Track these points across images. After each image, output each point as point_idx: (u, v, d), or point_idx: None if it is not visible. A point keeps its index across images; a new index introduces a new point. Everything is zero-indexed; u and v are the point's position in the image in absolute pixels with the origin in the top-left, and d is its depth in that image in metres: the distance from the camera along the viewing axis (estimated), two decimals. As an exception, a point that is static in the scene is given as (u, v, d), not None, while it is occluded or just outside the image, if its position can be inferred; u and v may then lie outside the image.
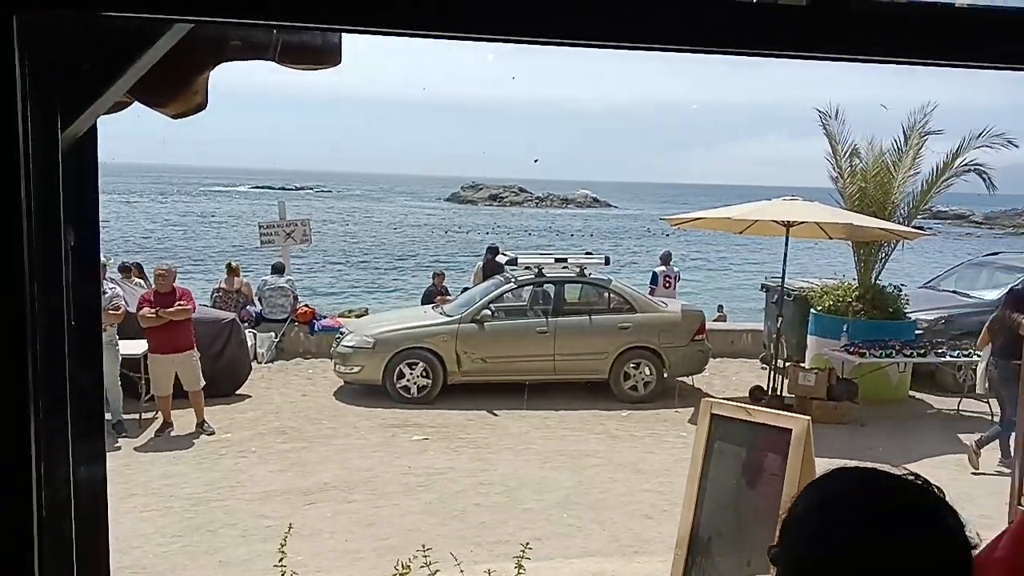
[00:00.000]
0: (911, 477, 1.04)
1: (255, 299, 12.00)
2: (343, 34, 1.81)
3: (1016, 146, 9.26)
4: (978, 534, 1.06)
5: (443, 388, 9.65)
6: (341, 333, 10.29)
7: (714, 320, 13.80)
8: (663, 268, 13.17)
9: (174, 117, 1.94)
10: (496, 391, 9.66)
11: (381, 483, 6.98)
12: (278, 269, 12.12)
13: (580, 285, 10.54)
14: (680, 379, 10.44)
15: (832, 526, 1.01)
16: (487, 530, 5.99)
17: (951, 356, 9.53)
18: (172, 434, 8.25)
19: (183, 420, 8.38)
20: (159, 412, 8.37)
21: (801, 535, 1.04)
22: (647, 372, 10.00)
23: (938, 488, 1.04)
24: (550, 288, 10.32)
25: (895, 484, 1.04)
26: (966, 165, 10.01)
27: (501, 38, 1.39)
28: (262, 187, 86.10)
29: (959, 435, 8.60)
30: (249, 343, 10.61)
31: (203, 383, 8.35)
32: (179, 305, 8.03)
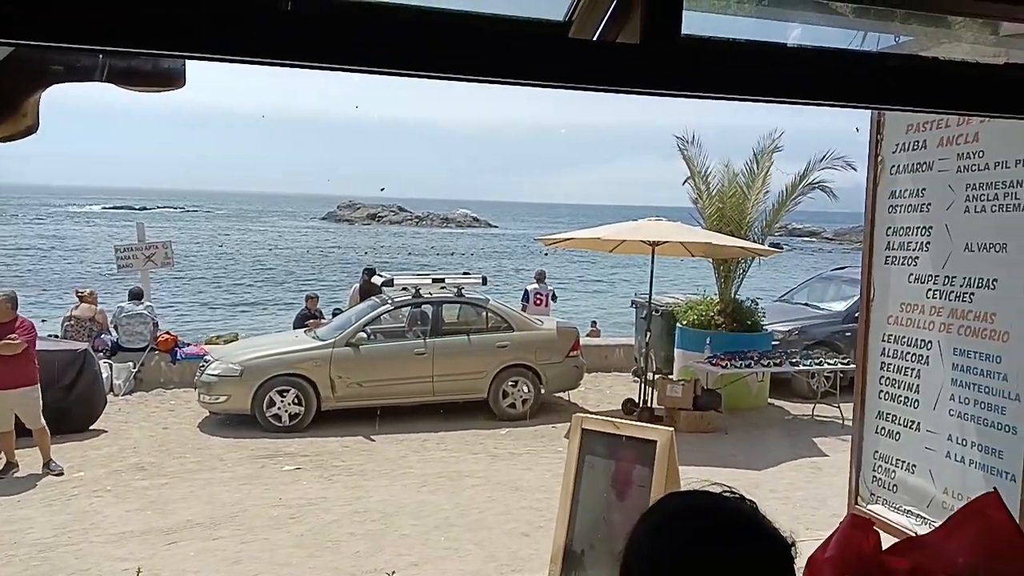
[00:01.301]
0: (728, 493, 1.11)
1: (111, 327, 11.26)
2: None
3: (855, 168, 10.09)
4: (793, 536, 1.15)
5: (317, 415, 9.38)
6: (206, 361, 9.82)
7: (588, 335, 14.17)
8: (536, 286, 13.48)
9: (2, 140, 1.83)
10: (373, 416, 9.49)
11: (249, 518, 6.67)
12: (136, 295, 11.43)
13: (458, 305, 10.56)
14: (557, 395, 10.66)
15: (660, 550, 1.07)
16: (362, 559, 5.84)
17: (804, 365, 10.20)
18: (16, 475, 7.58)
19: (30, 460, 7.73)
20: (1, 452, 7.68)
21: (636, 562, 1.10)
22: (525, 389, 10.13)
23: (751, 501, 1.11)
24: (428, 309, 10.28)
25: (711, 502, 1.11)
26: (812, 184, 10.82)
27: (336, 67, 1.38)
28: (121, 207, 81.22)
29: (813, 439, 9.21)
30: (104, 375, 9.95)
31: (43, 421, 7.71)
32: (9, 339, 7.38)
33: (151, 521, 6.60)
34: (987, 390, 3.40)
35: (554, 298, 13.98)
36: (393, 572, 3.91)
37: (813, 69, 1.78)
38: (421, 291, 10.25)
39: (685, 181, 11.09)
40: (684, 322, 10.95)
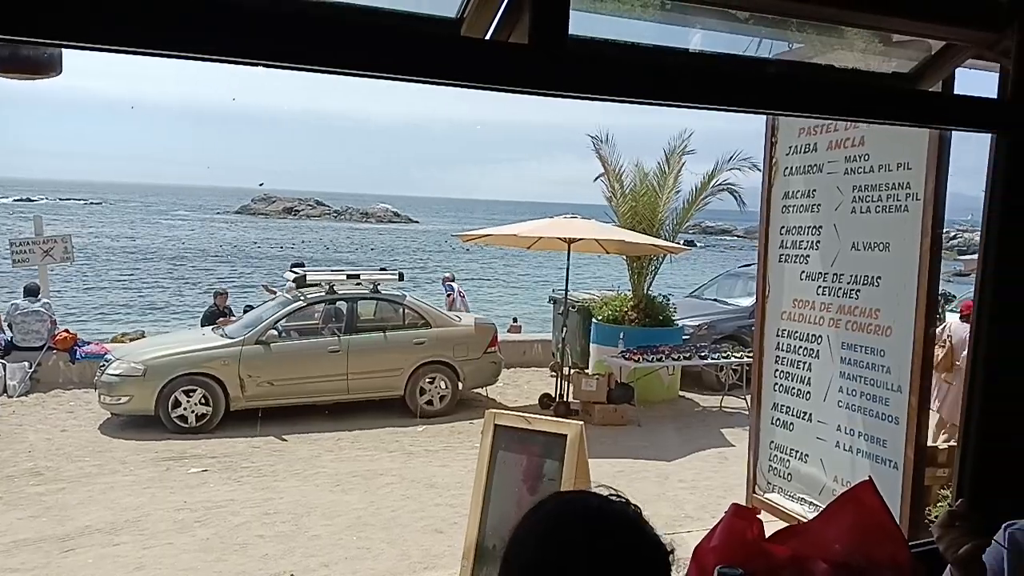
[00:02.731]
0: (614, 497, 1.13)
1: (4, 326, 10.63)
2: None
3: (759, 170, 10.45)
4: (672, 542, 1.17)
5: (226, 415, 9.11)
6: (106, 360, 9.38)
7: (509, 331, 14.27)
8: (452, 284, 13.46)
9: None
10: (285, 415, 9.28)
11: (152, 522, 6.42)
12: (32, 291, 10.83)
13: (374, 301, 10.43)
14: (475, 391, 10.66)
15: (541, 550, 1.08)
16: (271, 562, 5.71)
17: (713, 358, 10.54)
18: None
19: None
20: None
21: (516, 561, 1.10)
22: (442, 386, 10.09)
23: (635, 505, 1.14)
24: (343, 305, 10.11)
25: (595, 505, 1.12)
26: (720, 186, 11.17)
27: (212, 58, 1.33)
28: (19, 200, 76.75)
29: (721, 430, 9.53)
30: (-4, 375, 9.40)
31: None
32: None
33: (46, 528, 6.27)
34: (872, 382, 3.59)
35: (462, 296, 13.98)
36: (291, 574, 3.81)
37: (701, 73, 1.83)
38: (335, 287, 10.07)
39: (597, 178, 11.27)
40: (599, 318, 11.14)
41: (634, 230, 10.60)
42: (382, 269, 11.43)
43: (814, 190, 3.82)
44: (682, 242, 12.03)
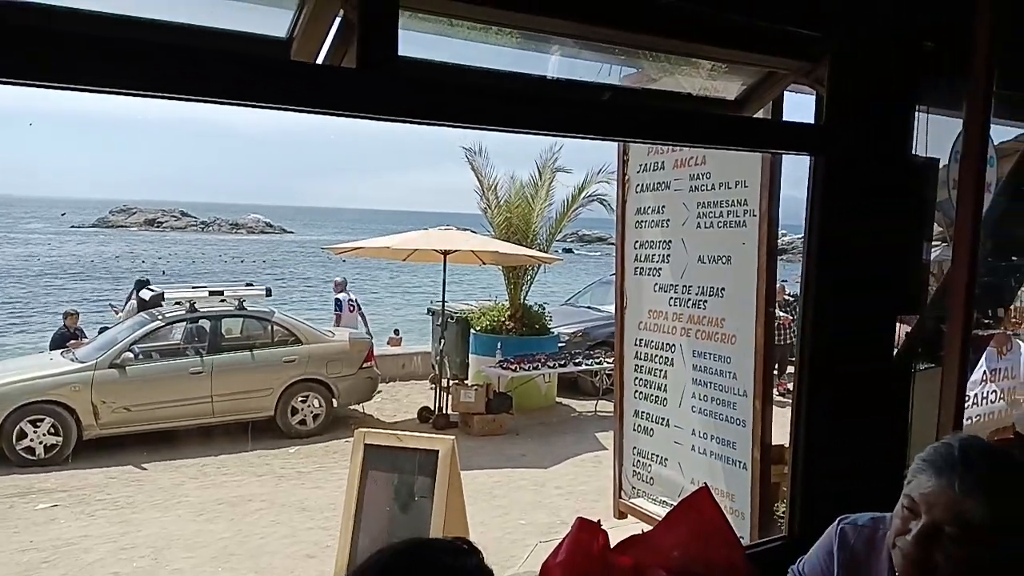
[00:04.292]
0: (456, 544, 1.12)
1: None
2: None
3: (625, 182, 10.86)
4: None
5: (78, 445, 8.48)
6: (-63, 391, 8.53)
7: (389, 344, 14.07)
8: (343, 295, 12.94)
9: None
10: (144, 442, 8.76)
11: (-9, 567, 5.90)
12: None
13: (240, 319, 10.03)
14: (351, 407, 10.44)
15: None
16: (127, 601, 5.36)
17: (587, 364, 10.81)
18: None
19: None
20: None
21: None
22: (316, 404, 9.82)
23: (474, 547, 1.13)
24: (205, 324, 9.65)
25: (430, 558, 1.10)
26: (590, 197, 11.49)
27: (26, 83, 1.25)
28: None
29: (595, 434, 9.76)
30: None
31: None
32: None
33: None
34: (720, 388, 3.79)
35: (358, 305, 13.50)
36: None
37: (537, 97, 1.87)
38: (196, 305, 9.60)
39: (475, 191, 11.35)
40: (477, 328, 11.19)
41: (509, 240, 10.74)
42: (248, 284, 11.01)
43: (663, 206, 4.00)
44: (560, 251, 12.30)
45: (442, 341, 10.56)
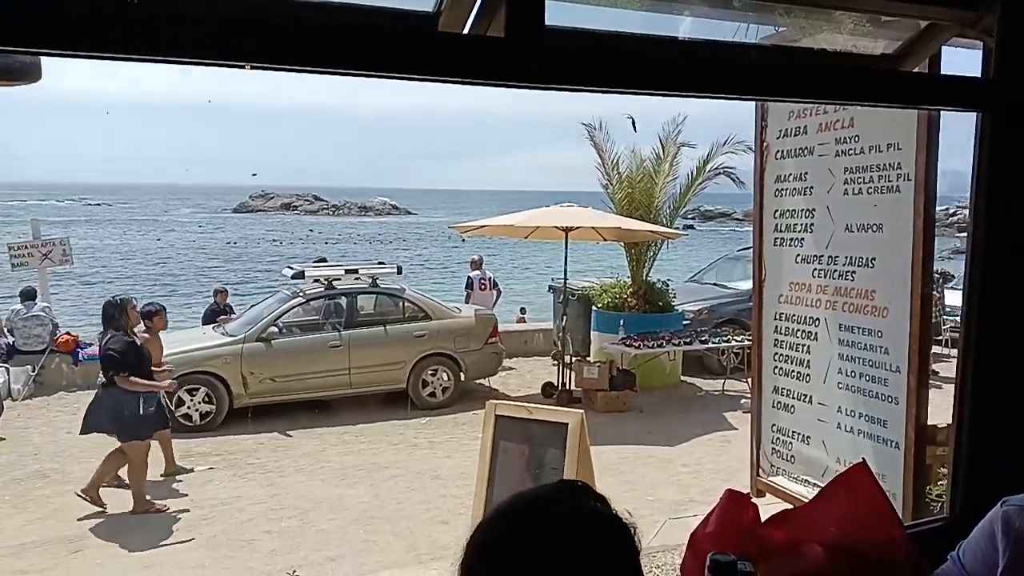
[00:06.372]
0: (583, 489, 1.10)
1: (5, 330, 10.66)
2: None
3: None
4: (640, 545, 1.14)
5: (229, 412, 9.14)
6: (109, 362, 9.40)
7: (517, 322, 14.29)
8: (477, 273, 13.13)
9: None
10: (289, 411, 9.32)
11: (161, 519, 6.47)
12: (29, 295, 10.84)
13: (374, 296, 10.44)
14: (477, 382, 10.69)
15: (506, 553, 1.02)
16: (278, 557, 5.74)
17: (714, 342, 10.54)
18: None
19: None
20: None
21: (481, 562, 1.05)
22: (445, 378, 10.12)
23: (614, 510, 1.10)
24: (342, 300, 10.12)
25: (566, 505, 1.08)
26: (716, 169, 11.13)
27: (199, 62, 1.33)
28: (16, 201, 76.81)
29: (724, 413, 9.54)
30: (0, 380, 9.42)
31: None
32: None
33: (54, 530, 6.31)
34: (870, 363, 3.59)
35: (493, 284, 13.65)
36: (294, 571, 3.83)
37: (682, 61, 1.82)
38: (334, 283, 10.08)
39: (595, 166, 11.22)
40: (599, 305, 11.14)
41: (631, 216, 10.58)
42: (380, 263, 11.43)
43: (806, 173, 3.81)
44: (681, 227, 12.00)
45: (564, 318, 10.58)
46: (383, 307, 10.45)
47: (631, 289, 11.12)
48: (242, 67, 1.39)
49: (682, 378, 11.08)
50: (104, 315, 6.86)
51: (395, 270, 10.75)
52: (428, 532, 6.17)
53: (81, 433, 7.06)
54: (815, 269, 3.80)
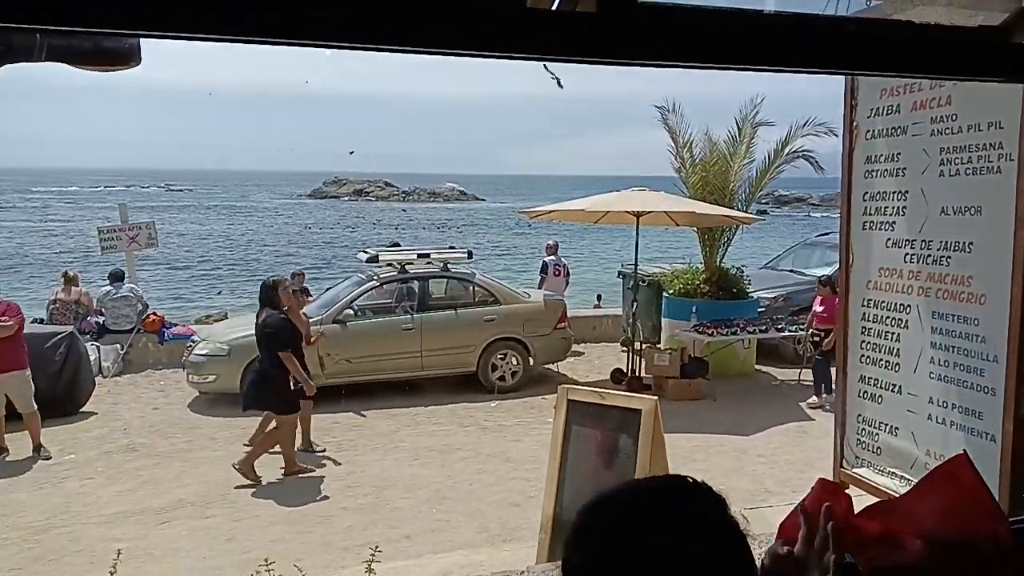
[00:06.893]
0: (692, 481, 1.08)
1: (97, 310, 11.20)
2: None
3: (836, 135, 10.05)
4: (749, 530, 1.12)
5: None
6: (193, 341, 9.79)
7: (593, 308, 14.31)
8: (552, 258, 13.03)
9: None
10: (363, 391, 9.52)
11: (240, 495, 6.72)
12: (117, 276, 11.35)
13: (444, 280, 10.55)
14: (546, 366, 10.70)
15: (615, 541, 1.01)
16: (354, 533, 5.89)
17: (790, 330, 10.26)
18: (7, 459, 7.59)
19: (20, 444, 7.73)
20: (-10, 438, 7.68)
21: (590, 548, 1.03)
22: (514, 362, 10.16)
23: (718, 491, 1.08)
24: (414, 284, 10.26)
25: (673, 492, 1.07)
26: (794, 152, 10.79)
27: (291, 42, 1.35)
28: (109, 187, 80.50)
29: (800, 403, 9.29)
30: (92, 357, 9.92)
31: (35, 405, 7.68)
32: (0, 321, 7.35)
33: (143, 501, 6.63)
34: (965, 352, 3.43)
35: (567, 270, 13.58)
36: (377, 546, 3.91)
37: (776, 35, 1.76)
38: (406, 267, 10.22)
39: (672, 149, 11.01)
40: (670, 291, 10.96)
41: (705, 201, 10.37)
42: (451, 248, 11.53)
43: (898, 153, 3.63)
44: (755, 212, 11.67)
45: (634, 304, 10.47)
46: (454, 291, 10.55)
47: (704, 275, 10.91)
48: (329, 48, 1.41)
49: (756, 367, 10.84)
50: (261, 294, 7.21)
51: (466, 255, 10.83)
52: (499, 514, 6.23)
53: (244, 410, 7.55)
54: (907, 254, 3.64)
